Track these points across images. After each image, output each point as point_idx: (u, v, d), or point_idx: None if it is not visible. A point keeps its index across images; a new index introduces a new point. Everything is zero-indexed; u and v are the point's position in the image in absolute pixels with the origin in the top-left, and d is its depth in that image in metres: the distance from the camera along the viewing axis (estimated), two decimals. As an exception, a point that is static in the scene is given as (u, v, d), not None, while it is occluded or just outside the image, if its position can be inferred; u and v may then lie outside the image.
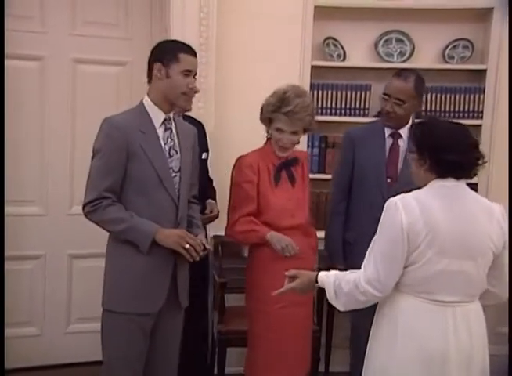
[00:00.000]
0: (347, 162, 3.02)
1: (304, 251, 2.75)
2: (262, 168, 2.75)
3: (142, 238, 2.30)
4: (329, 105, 3.67)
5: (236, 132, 3.45)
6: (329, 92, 3.65)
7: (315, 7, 3.53)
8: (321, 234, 3.06)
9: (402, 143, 2.95)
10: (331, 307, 3.12)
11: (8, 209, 3.22)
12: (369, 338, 2.13)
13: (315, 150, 3.70)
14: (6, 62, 3.21)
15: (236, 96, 3.47)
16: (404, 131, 2.96)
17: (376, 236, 2.01)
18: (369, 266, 1.98)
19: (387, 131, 2.97)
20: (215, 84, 3.41)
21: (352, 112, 3.69)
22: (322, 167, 3.71)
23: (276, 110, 2.71)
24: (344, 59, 3.71)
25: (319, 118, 3.60)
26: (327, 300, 2.09)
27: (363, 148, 2.98)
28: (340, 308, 2.07)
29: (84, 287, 3.52)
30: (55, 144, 3.45)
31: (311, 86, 3.60)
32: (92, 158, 2.37)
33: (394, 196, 2.00)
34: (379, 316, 2.10)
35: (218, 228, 3.26)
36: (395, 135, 2.97)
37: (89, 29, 3.44)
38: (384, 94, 2.92)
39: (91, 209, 2.32)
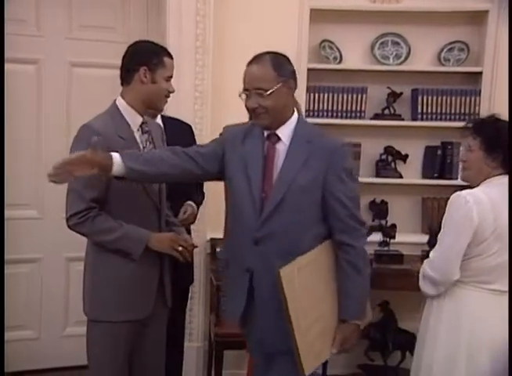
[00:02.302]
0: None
1: None
2: None
3: (134, 246, 2.27)
4: (325, 107, 3.68)
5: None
6: (326, 95, 3.66)
7: (311, 10, 3.54)
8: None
9: (282, 148, 2.20)
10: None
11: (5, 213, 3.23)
12: (422, 335, 2.36)
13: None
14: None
15: (232, 99, 3.40)
16: (284, 133, 2.20)
17: (443, 229, 2.25)
18: (434, 253, 2.28)
19: (266, 131, 2.25)
20: (212, 87, 3.42)
21: (349, 114, 3.69)
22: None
23: None
24: (340, 62, 3.71)
25: (316, 121, 3.62)
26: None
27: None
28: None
29: (81, 290, 3.51)
30: (52, 147, 3.44)
31: (308, 89, 3.60)
32: None
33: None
34: (435, 312, 2.31)
35: (214, 231, 3.26)
36: (272, 138, 2.23)
37: (85, 33, 3.46)
38: (243, 90, 2.20)
39: (79, 221, 2.24)
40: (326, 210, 2.17)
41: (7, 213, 3.29)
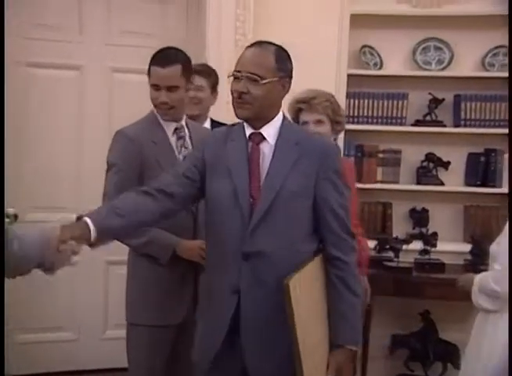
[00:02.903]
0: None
1: None
2: None
3: (162, 252, 2.27)
4: (365, 114, 3.64)
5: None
6: (366, 101, 3.63)
7: (352, 15, 3.51)
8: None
9: (267, 149, 1.99)
10: (366, 316, 3.11)
11: (42, 215, 3.28)
12: (473, 350, 2.31)
13: (352, 159, 3.66)
14: (44, 71, 3.29)
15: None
16: (268, 132, 2.00)
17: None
18: (498, 266, 2.26)
19: (248, 131, 2.03)
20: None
21: (389, 121, 3.65)
22: (359, 176, 3.67)
23: (295, 103, 2.71)
24: (380, 68, 3.67)
25: (356, 127, 3.59)
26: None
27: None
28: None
29: (121, 294, 3.53)
30: (93, 152, 3.47)
31: (347, 95, 3.57)
32: (107, 171, 2.34)
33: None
34: (490, 327, 2.27)
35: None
36: (256, 137, 2.01)
37: (125, 38, 3.49)
38: (235, 71, 1.98)
39: None
40: (318, 219, 1.97)
41: (47, 216, 3.34)
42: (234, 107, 1.99)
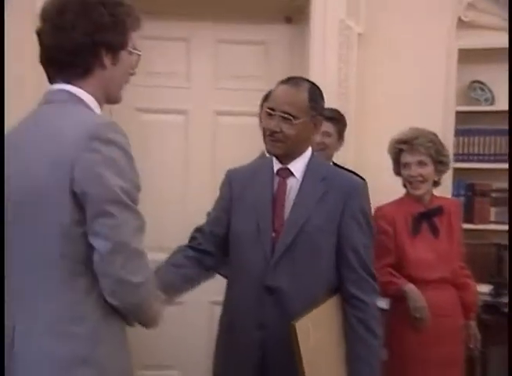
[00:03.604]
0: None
1: (448, 307, 2.60)
2: (399, 219, 2.64)
3: None
4: (476, 151, 3.50)
5: (377, 180, 3.32)
6: (476, 138, 3.49)
7: (460, 50, 3.40)
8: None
9: (294, 184, 2.02)
10: (482, 367, 2.92)
11: (150, 255, 3.34)
12: None
13: (462, 199, 3.51)
14: (152, 116, 3.41)
15: (375, 143, 3.39)
16: (296, 167, 2.03)
17: None
18: None
19: (276, 166, 2.06)
20: (354, 132, 3.37)
21: (501, 158, 3.47)
22: (471, 216, 3.51)
23: (396, 144, 2.65)
24: (492, 103, 3.52)
25: (466, 165, 3.45)
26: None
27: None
28: None
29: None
30: (198, 193, 3.55)
31: (456, 132, 3.44)
32: None
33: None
34: None
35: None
36: (283, 172, 2.04)
37: (231, 82, 3.57)
38: (268, 108, 2.02)
39: None
40: (340, 257, 1.94)
41: (156, 256, 3.41)
42: (266, 143, 2.04)
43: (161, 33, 3.41)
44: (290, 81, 2.02)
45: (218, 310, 3.56)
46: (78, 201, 1.41)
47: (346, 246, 1.94)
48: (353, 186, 2.00)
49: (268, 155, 2.16)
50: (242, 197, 2.04)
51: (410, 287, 2.53)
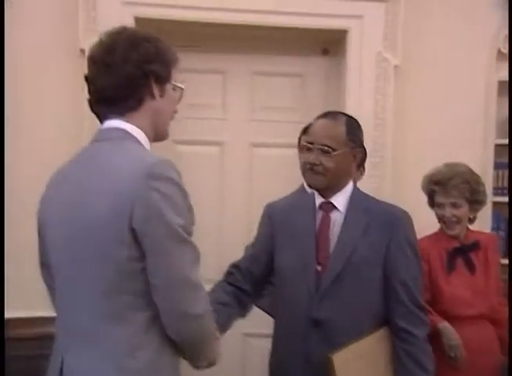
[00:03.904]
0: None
1: (485, 343, 2.54)
2: (433, 255, 2.61)
3: None
4: (516, 185, 3.42)
5: (414, 214, 3.30)
6: (516, 172, 3.41)
7: (499, 82, 3.36)
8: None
9: (337, 217, 2.03)
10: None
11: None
12: None
13: (502, 233, 3.43)
14: (188, 148, 3.44)
15: (413, 175, 3.34)
16: (339, 201, 2.05)
17: None
18: None
19: (318, 200, 2.09)
20: (391, 165, 3.33)
21: (543, 191, 3.39)
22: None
23: (430, 184, 2.62)
24: (532, 136, 3.45)
25: (505, 199, 3.37)
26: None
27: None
28: None
29: (258, 367, 3.51)
30: (234, 225, 3.57)
31: (495, 165, 3.38)
32: None
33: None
34: None
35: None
36: (326, 206, 2.07)
37: (266, 114, 3.58)
38: (307, 142, 2.08)
39: None
40: (387, 290, 1.92)
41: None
42: (305, 177, 2.06)
43: (198, 65, 3.46)
44: (327, 115, 2.07)
45: (250, 342, 3.57)
46: (136, 238, 1.44)
47: (394, 279, 1.93)
48: (397, 217, 2.00)
49: (308, 189, 2.16)
50: (283, 233, 2.06)
51: (445, 325, 2.49)
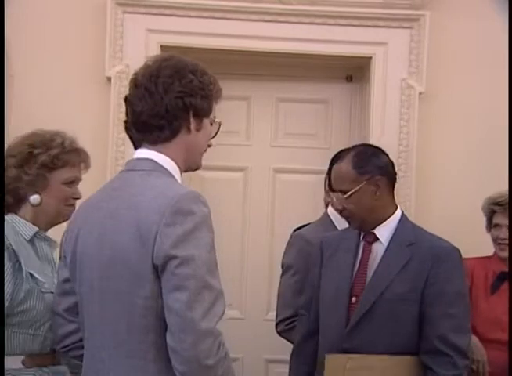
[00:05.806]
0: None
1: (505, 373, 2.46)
2: (478, 273, 2.64)
3: None
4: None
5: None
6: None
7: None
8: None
9: (379, 249, 2.00)
10: None
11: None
12: None
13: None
14: (211, 173, 3.44)
15: (437, 203, 3.31)
16: (382, 232, 2.01)
17: None
18: None
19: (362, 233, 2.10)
20: (415, 193, 3.29)
21: None
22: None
23: (490, 204, 2.68)
24: None
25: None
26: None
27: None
28: None
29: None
30: (256, 250, 3.57)
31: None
32: (283, 274, 2.37)
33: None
34: None
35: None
36: (369, 237, 2.05)
37: (289, 140, 3.60)
38: (331, 189, 2.15)
39: (287, 327, 2.31)
40: (420, 326, 1.88)
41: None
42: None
43: (223, 92, 3.46)
44: (339, 156, 2.10)
45: (272, 368, 3.53)
46: (159, 274, 1.41)
47: (426, 316, 1.89)
48: (441, 252, 1.93)
49: (333, 219, 2.30)
50: (328, 262, 2.06)
51: (473, 340, 2.43)
